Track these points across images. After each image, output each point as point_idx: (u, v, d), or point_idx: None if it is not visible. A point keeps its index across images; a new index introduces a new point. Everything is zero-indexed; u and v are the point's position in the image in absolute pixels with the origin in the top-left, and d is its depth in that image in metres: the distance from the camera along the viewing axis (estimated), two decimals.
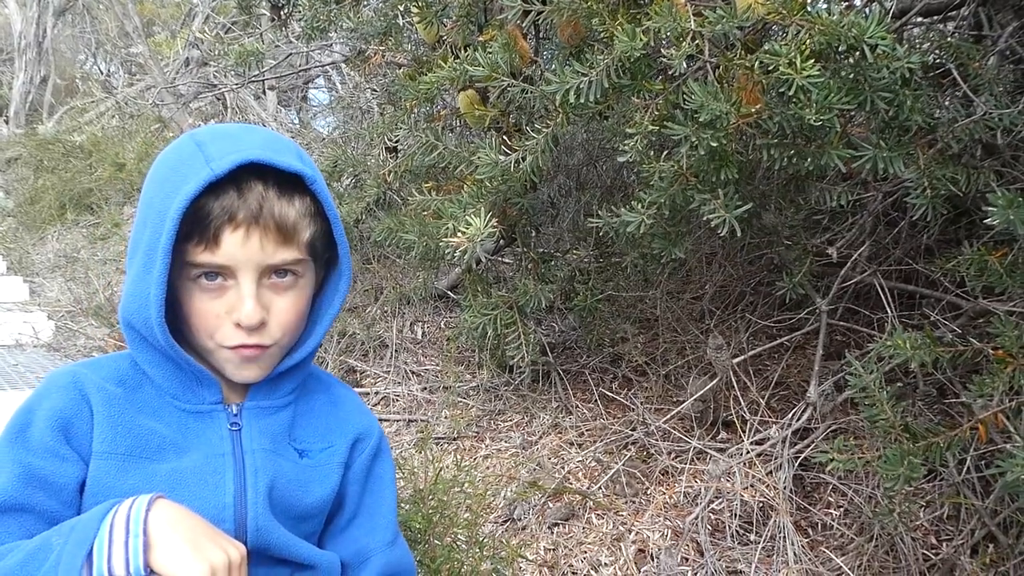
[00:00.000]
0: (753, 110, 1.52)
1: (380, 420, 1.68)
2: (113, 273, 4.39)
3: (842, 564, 1.97)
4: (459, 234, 1.76)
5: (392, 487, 1.19)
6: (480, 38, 2.07)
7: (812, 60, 1.42)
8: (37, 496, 0.93)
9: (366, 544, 1.15)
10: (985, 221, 1.51)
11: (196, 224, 0.93)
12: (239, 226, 0.94)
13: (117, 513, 0.87)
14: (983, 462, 1.90)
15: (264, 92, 6.21)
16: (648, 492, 2.39)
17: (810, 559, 2.01)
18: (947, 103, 1.87)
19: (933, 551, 1.99)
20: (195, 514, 0.91)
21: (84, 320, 3.83)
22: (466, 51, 2.00)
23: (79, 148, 6.38)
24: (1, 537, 0.91)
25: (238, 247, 0.94)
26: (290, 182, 0.98)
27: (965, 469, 1.89)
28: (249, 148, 0.95)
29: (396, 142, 2.85)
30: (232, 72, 5.29)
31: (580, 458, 2.56)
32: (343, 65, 4.68)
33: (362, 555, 1.15)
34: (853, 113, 1.72)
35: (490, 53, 1.88)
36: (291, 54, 4.54)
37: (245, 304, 0.96)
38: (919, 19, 2.23)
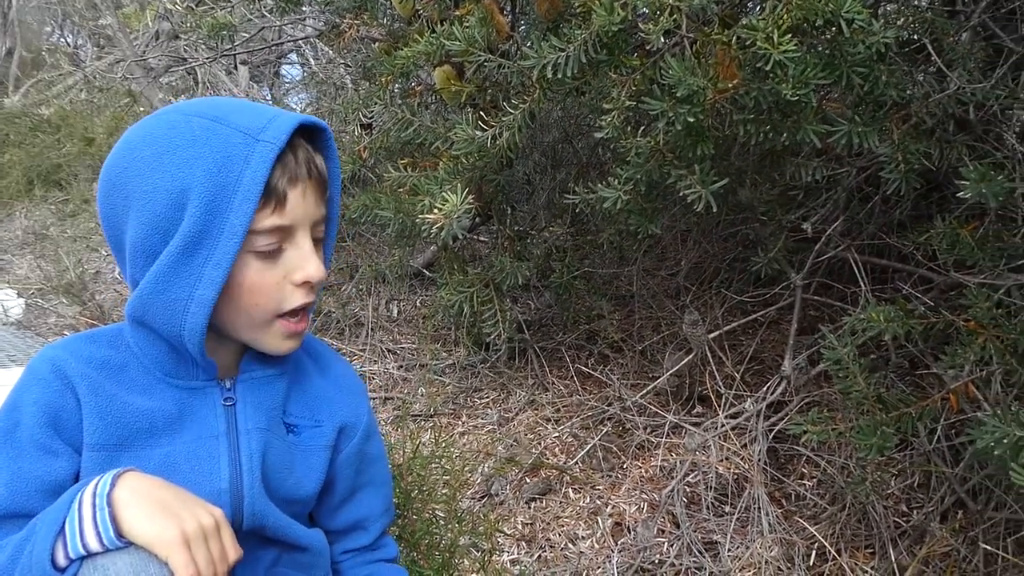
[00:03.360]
0: (730, 85, 1.52)
1: None
2: (83, 251, 4.32)
3: (815, 533, 2.00)
4: (435, 210, 1.75)
5: (385, 462, 1.22)
6: (456, 12, 2.05)
7: (789, 35, 1.42)
8: (33, 500, 0.92)
9: (365, 515, 1.19)
10: (958, 195, 1.53)
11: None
12: (298, 184, 0.95)
13: (85, 492, 0.86)
14: (953, 431, 1.94)
15: (236, 67, 6.11)
16: (624, 466, 2.42)
17: (784, 529, 2.05)
18: (921, 78, 1.88)
19: (904, 518, 2.03)
20: (167, 482, 0.90)
21: (55, 298, 3.77)
22: (442, 25, 1.97)
23: (47, 122, 6.25)
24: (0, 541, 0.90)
25: (299, 204, 0.96)
26: (311, 140, 1.01)
27: (936, 438, 1.93)
28: (278, 112, 0.96)
29: (371, 118, 2.82)
30: (203, 46, 5.21)
31: (557, 434, 2.58)
32: (316, 40, 4.61)
33: (361, 524, 1.19)
34: (829, 88, 1.73)
35: (467, 27, 1.86)
36: (263, 28, 4.47)
37: (312, 261, 0.97)
38: None
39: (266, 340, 1.00)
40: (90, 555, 0.84)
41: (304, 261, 0.97)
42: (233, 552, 0.89)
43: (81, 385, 0.96)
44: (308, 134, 1.00)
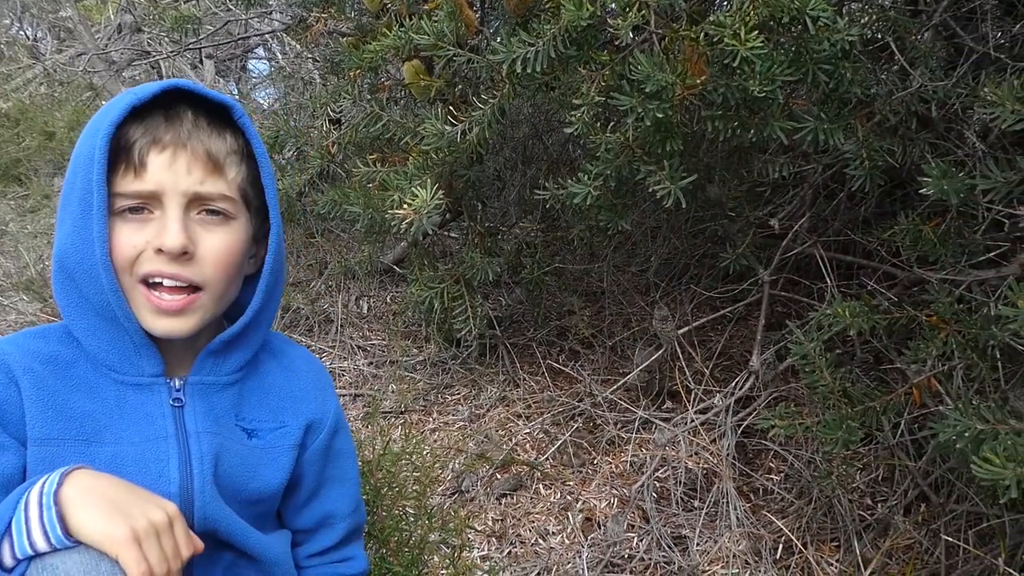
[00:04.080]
0: (698, 81, 1.53)
1: None
2: (44, 247, 4.23)
3: (782, 526, 2.03)
4: (405, 206, 1.74)
5: (353, 459, 1.20)
6: (425, 6, 2.03)
7: (756, 32, 1.43)
8: None
9: (331, 511, 1.16)
10: (920, 191, 1.55)
11: (121, 152, 0.92)
12: (165, 148, 0.92)
13: (32, 491, 0.85)
14: (916, 425, 1.97)
15: (201, 61, 6.02)
16: (595, 462, 2.42)
17: (752, 522, 2.07)
18: (884, 76, 1.91)
19: (869, 512, 2.06)
20: (118, 479, 0.88)
21: (15, 295, 3.70)
22: (411, 19, 1.96)
23: (5, 116, 6.10)
24: None
25: (164, 170, 0.93)
26: (219, 118, 0.97)
27: (899, 432, 1.96)
28: (172, 80, 0.95)
29: (339, 113, 2.79)
30: (167, 40, 5.12)
31: (528, 430, 2.58)
32: (283, 34, 4.56)
33: (327, 521, 1.16)
34: (795, 85, 1.75)
35: (436, 22, 1.85)
36: (229, 22, 4.41)
37: (169, 228, 0.93)
38: None
39: (142, 316, 0.97)
40: (39, 555, 0.82)
41: (163, 229, 0.94)
42: (186, 548, 0.87)
43: (24, 379, 0.94)
44: (222, 117, 0.99)
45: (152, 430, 0.98)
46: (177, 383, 1.02)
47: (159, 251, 0.94)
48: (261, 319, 1.06)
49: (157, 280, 0.95)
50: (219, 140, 0.96)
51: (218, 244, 0.97)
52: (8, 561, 0.83)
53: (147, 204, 0.94)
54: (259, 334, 1.07)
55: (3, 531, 0.83)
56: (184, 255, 0.95)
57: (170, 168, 0.93)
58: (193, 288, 0.97)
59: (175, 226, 0.93)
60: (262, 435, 1.07)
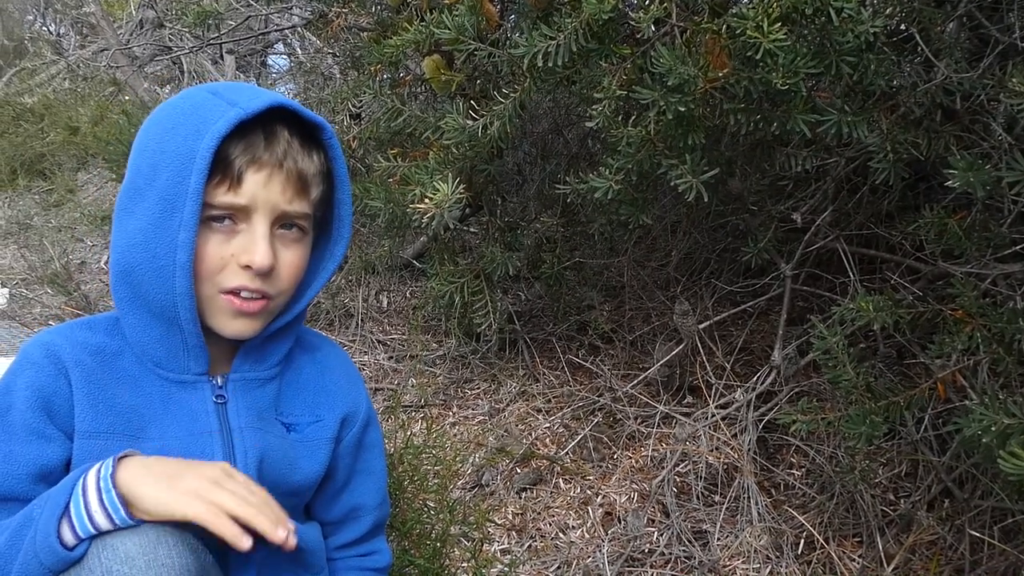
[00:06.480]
0: (720, 74, 1.52)
1: None
2: (68, 241, 4.29)
3: (804, 521, 2.02)
4: (426, 200, 1.74)
5: (381, 452, 1.22)
6: (446, 1, 2.04)
7: (779, 24, 1.42)
8: (24, 484, 0.92)
9: (359, 504, 1.19)
10: (946, 184, 1.53)
11: (218, 164, 0.92)
12: (263, 167, 0.94)
13: (87, 476, 0.87)
14: (940, 420, 1.95)
15: (222, 56, 6.06)
16: (615, 456, 2.42)
17: (773, 518, 2.06)
18: (908, 68, 1.89)
19: (891, 507, 2.04)
20: (166, 457, 0.91)
21: (40, 288, 3.74)
22: (431, 14, 1.96)
23: (30, 112, 6.18)
24: None
25: (260, 188, 0.94)
26: (310, 137, 0.99)
27: (923, 428, 1.94)
28: (272, 95, 0.95)
29: (360, 108, 2.80)
30: (189, 35, 5.16)
31: (547, 424, 2.58)
32: (303, 29, 4.58)
33: (354, 513, 1.19)
34: (818, 78, 1.73)
35: (456, 16, 1.85)
36: (250, 17, 4.43)
37: (259, 246, 0.95)
38: None
39: (217, 318, 0.99)
40: (100, 534, 0.85)
41: (252, 245, 0.95)
42: (258, 487, 0.91)
43: (74, 371, 0.96)
44: (311, 135, 1.00)
45: (196, 426, 1.00)
46: (219, 380, 1.04)
47: (246, 267, 0.96)
48: (299, 315, 1.08)
49: (238, 288, 0.98)
50: (308, 161, 0.98)
51: (293, 259, 1.01)
52: (70, 539, 0.85)
53: (234, 216, 0.96)
54: (295, 329, 1.10)
55: (61, 512, 0.85)
56: (269, 272, 0.97)
57: (265, 187, 0.94)
58: (265, 294, 1.00)
59: (264, 244, 0.96)
60: (300, 429, 1.09)
